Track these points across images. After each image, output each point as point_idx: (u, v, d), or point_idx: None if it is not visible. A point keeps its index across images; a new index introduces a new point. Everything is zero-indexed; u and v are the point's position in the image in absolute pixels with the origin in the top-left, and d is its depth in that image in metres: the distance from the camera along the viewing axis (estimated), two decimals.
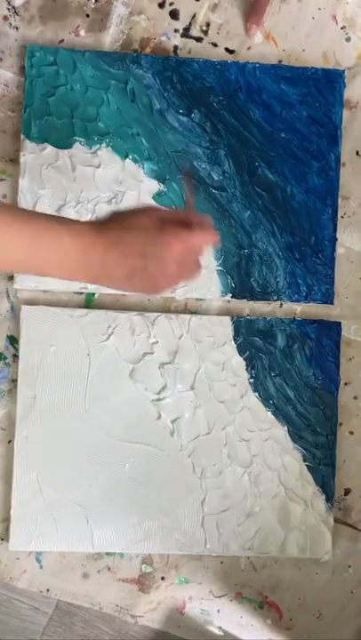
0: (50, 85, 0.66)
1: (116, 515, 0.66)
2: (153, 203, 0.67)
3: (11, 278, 0.67)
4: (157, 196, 0.67)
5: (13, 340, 0.67)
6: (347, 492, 0.70)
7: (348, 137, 0.70)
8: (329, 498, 0.68)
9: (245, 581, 0.69)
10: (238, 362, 0.68)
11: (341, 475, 0.70)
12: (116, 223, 0.46)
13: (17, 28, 0.67)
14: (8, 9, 0.67)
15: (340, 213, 0.70)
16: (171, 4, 0.69)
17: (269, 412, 0.67)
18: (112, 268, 0.45)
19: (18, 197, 0.65)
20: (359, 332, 0.71)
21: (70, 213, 0.66)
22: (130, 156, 0.67)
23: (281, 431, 0.68)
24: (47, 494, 0.65)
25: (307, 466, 0.68)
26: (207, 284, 0.67)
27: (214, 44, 0.69)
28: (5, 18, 0.67)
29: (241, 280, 0.68)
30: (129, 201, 0.67)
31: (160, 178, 0.67)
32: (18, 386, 0.65)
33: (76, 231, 0.44)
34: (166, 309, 0.69)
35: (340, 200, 0.70)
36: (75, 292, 0.68)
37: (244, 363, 0.68)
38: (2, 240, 0.42)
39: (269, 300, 0.68)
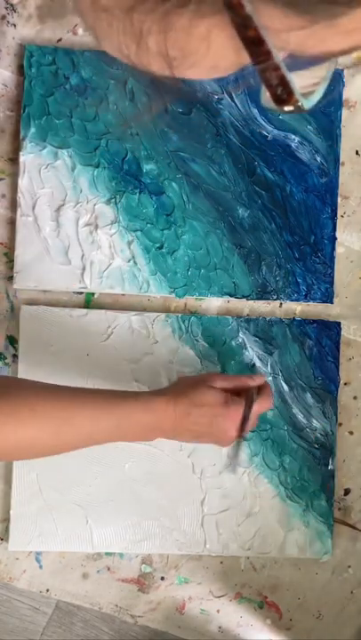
0: (49, 85, 0.66)
1: (115, 515, 0.66)
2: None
3: (10, 278, 0.67)
4: (157, 196, 0.67)
5: (13, 340, 0.67)
6: (347, 492, 0.70)
7: (347, 136, 0.70)
8: (329, 498, 0.68)
9: (245, 581, 0.69)
10: (238, 362, 0.68)
11: (341, 475, 0.69)
12: (185, 397, 0.54)
13: (15, 26, 0.67)
14: (6, 8, 0.67)
15: (339, 212, 0.70)
16: None
17: (269, 412, 0.67)
18: (182, 434, 0.55)
19: (17, 197, 0.65)
20: (359, 332, 0.70)
21: (69, 213, 0.66)
22: (129, 156, 0.67)
23: (281, 431, 0.68)
24: (47, 494, 0.65)
25: (307, 466, 0.68)
26: (207, 283, 0.67)
27: None
28: (3, 17, 0.67)
29: (240, 280, 0.68)
30: (128, 201, 0.67)
31: (160, 177, 0.67)
32: None
33: (152, 409, 0.54)
34: (166, 309, 0.69)
35: (339, 199, 0.69)
36: (74, 292, 0.68)
37: (244, 363, 0.68)
38: (95, 424, 0.52)
39: (269, 299, 0.68)
